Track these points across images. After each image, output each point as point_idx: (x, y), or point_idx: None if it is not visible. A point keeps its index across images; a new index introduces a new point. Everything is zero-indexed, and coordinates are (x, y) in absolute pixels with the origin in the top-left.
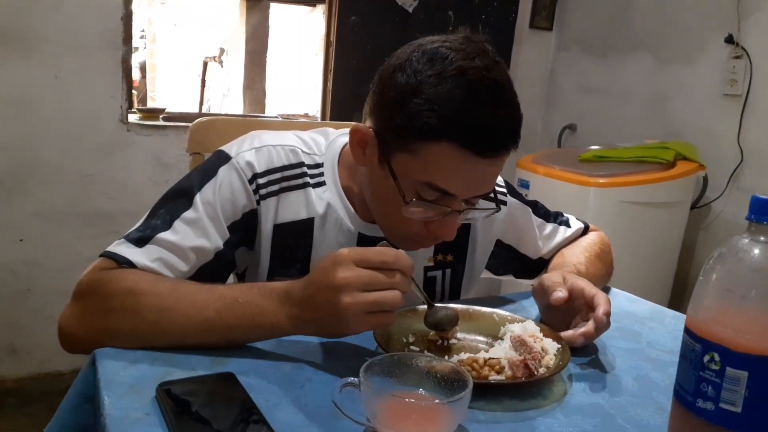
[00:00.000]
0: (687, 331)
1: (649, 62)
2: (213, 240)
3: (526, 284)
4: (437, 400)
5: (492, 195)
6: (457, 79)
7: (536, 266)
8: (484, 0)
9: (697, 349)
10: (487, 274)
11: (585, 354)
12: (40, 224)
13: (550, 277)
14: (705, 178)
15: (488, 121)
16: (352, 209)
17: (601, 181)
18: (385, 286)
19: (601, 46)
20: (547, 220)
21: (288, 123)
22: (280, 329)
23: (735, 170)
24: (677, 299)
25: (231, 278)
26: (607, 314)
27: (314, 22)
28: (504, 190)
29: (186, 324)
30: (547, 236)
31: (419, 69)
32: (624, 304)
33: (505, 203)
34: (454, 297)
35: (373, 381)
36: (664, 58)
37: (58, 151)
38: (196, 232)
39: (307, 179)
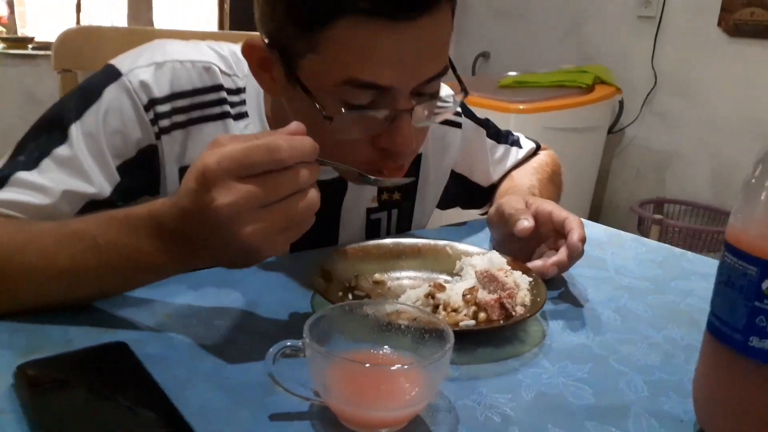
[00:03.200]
0: (732, 250)
1: None
2: (96, 183)
3: (471, 213)
4: (412, 363)
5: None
6: None
7: (486, 193)
8: None
9: (750, 272)
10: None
11: (553, 287)
12: None
13: (510, 202)
14: (621, 103)
15: None
16: None
17: (522, 107)
18: (291, 192)
19: None
20: (498, 141)
21: (180, 33)
22: (167, 270)
23: (648, 94)
24: None
25: None
26: (583, 240)
27: None
28: (459, 109)
29: (36, 278)
30: (498, 160)
31: None
32: None
33: (460, 125)
34: None
35: (321, 342)
36: None
37: None
38: (71, 173)
39: (227, 108)
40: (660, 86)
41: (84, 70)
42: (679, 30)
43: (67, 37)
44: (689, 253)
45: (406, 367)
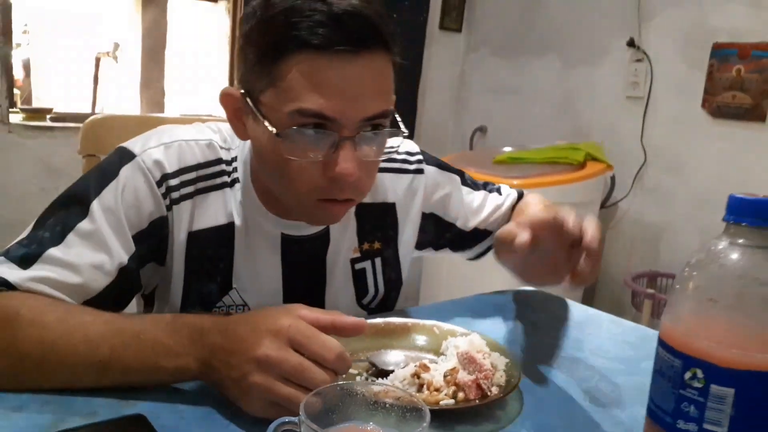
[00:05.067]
0: (663, 344)
1: (557, 64)
2: (115, 254)
3: (448, 291)
4: None
5: (393, 123)
6: None
7: (473, 237)
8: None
9: (676, 365)
10: (428, 252)
11: (529, 365)
12: None
13: (503, 227)
14: (612, 178)
15: (327, 10)
16: (264, 208)
17: (516, 182)
18: (306, 383)
19: (510, 47)
20: (476, 189)
21: (191, 119)
22: (185, 373)
23: (639, 170)
24: (588, 299)
25: (135, 302)
26: (596, 239)
27: (216, 17)
28: (420, 157)
29: (76, 363)
30: (477, 205)
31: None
32: (557, 308)
33: (422, 171)
34: (393, 286)
35: (316, 418)
36: (571, 60)
37: None
38: (95, 246)
39: (225, 178)
40: (650, 163)
41: (105, 154)
42: (666, 110)
43: (91, 125)
44: None
45: None
